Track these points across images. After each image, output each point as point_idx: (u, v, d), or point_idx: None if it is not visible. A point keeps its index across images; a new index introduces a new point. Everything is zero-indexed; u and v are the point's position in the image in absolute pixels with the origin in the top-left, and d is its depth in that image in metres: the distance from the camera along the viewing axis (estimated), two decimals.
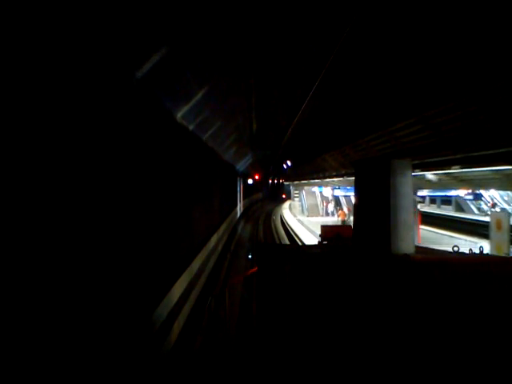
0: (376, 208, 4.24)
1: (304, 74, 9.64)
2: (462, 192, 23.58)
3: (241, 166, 29.74)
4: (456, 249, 4.81)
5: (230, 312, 5.25)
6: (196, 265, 9.25)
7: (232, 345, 5.12)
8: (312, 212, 36.54)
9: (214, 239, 12.83)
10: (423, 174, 8.92)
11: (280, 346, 2.23)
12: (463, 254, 4.73)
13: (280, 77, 10.72)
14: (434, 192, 21.25)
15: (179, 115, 7.22)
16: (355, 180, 4.73)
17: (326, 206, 35.98)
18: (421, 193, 20.59)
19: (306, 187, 38.74)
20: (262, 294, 3.27)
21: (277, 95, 13.35)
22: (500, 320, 2.40)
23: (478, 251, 4.78)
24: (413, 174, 10.17)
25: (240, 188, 31.34)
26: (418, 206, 20.45)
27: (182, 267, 7.60)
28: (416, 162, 8.51)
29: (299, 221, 31.95)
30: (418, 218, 18.85)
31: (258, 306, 3.19)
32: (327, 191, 28.94)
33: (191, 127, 8.69)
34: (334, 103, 12.03)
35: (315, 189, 37.67)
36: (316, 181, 20.64)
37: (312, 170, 18.81)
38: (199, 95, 7.37)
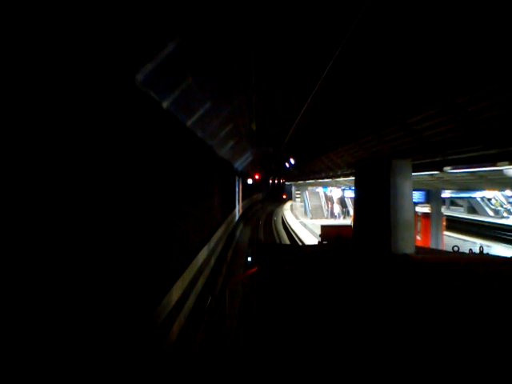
0: (376, 208, 4.22)
1: (312, 60, 8.20)
2: (489, 193, 21.24)
3: (240, 164, 27.42)
4: (456, 249, 4.77)
5: (230, 312, 5.27)
6: (176, 294, 6.83)
7: (232, 345, 4.94)
8: (316, 214, 34.41)
9: (202, 254, 10.32)
10: (500, 170, 6.83)
11: (280, 345, 2.21)
12: (463, 253, 4.74)
13: (285, 60, 8.68)
14: (458, 193, 19.13)
15: (140, 78, 4.79)
16: (355, 180, 4.66)
17: (332, 208, 33.66)
18: (444, 194, 18.44)
19: (309, 187, 36.41)
20: (262, 293, 3.20)
21: (281, 84, 11.27)
22: (500, 320, 2.38)
23: (477, 251, 4.79)
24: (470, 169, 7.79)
25: (239, 188, 28.93)
26: (426, 209, 18.06)
27: (146, 309, 5.18)
28: (416, 162, 7.92)
29: (302, 223, 30.01)
30: (442, 224, 16.52)
31: (258, 306, 3.13)
32: (337, 192, 26.63)
33: (165, 104, 6.26)
34: (349, 88, 10.18)
35: (319, 189, 35.35)
36: (325, 180, 18.00)
37: (321, 167, 16.30)
38: (170, 48, 4.92)
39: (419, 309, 2.59)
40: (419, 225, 17.23)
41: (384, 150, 9.66)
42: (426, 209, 17.07)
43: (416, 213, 17.54)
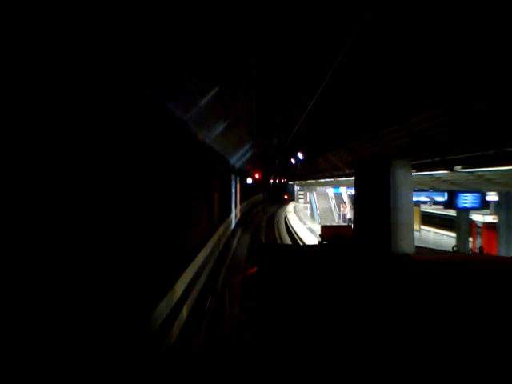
0: (376, 208, 4.29)
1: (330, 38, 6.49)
2: None
3: (237, 160, 23.05)
4: (456, 249, 5.10)
5: (230, 311, 5.44)
6: None
7: (232, 345, 4.91)
8: (325, 218, 30.06)
9: (167, 305, 5.74)
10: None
11: (280, 344, 2.16)
12: (463, 253, 4.88)
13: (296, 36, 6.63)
14: None
15: None
16: (355, 180, 4.78)
17: (344, 212, 29.27)
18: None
19: (317, 188, 32.01)
20: (262, 293, 3.17)
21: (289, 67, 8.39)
22: (499, 318, 2.34)
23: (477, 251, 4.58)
24: None
25: (236, 189, 24.51)
26: (489, 218, 13.68)
27: None
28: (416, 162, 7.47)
29: (310, 229, 25.96)
30: None
31: (257, 305, 3.13)
32: None
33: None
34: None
35: (329, 190, 30.97)
36: (350, 179, 13.25)
37: (348, 160, 11.87)
38: None
39: (420, 307, 2.52)
40: (479, 240, 12.86)
41: (384, 149, 8.86)
42: (490, 217, 12.71)
43: (473, 222, 13.22)
